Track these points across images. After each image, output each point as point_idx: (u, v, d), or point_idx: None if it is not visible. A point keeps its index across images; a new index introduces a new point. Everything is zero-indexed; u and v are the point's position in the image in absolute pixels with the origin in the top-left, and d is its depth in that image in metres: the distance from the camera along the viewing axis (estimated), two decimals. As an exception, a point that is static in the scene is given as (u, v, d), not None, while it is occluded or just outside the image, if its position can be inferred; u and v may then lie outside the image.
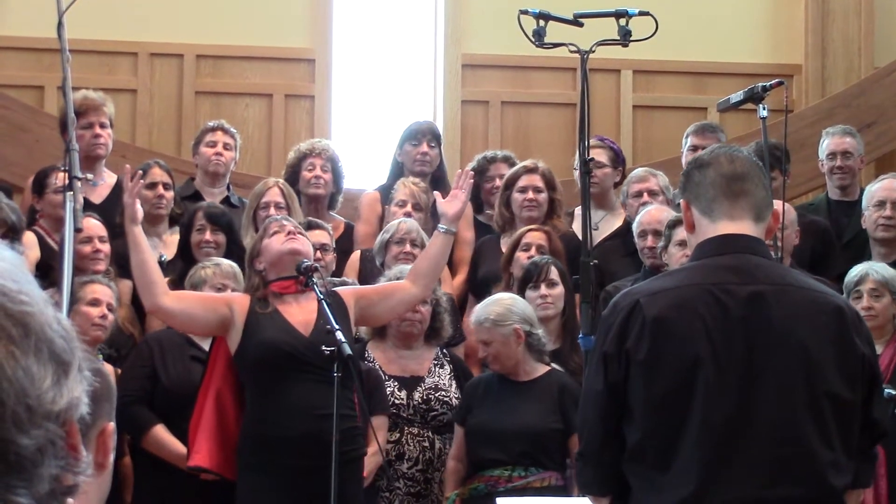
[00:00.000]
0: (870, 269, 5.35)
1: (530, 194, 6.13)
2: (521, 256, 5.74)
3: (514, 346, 5.03)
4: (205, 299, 4.80)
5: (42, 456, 1.11)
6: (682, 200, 2.92)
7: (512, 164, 6.65)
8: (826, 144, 6.66)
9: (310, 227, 5.54)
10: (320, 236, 5.63)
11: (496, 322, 5.02)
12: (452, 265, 6.25)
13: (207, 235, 5.62)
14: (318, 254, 5.56)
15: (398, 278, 5.24)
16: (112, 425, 1.33)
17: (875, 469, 2.92)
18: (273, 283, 4.71)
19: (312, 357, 4.51)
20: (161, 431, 5.01)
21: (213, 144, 6.40)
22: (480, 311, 5.12)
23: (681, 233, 5.39)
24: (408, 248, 5.72)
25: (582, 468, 2.90)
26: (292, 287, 4.70)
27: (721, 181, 2.84)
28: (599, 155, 6.18)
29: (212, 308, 4.70)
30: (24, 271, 1.16)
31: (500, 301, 5.14)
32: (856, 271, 5.37)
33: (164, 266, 5.79)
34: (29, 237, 5.38)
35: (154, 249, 5.88)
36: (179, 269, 5.51)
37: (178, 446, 4.96)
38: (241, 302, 4.72)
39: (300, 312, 4.68)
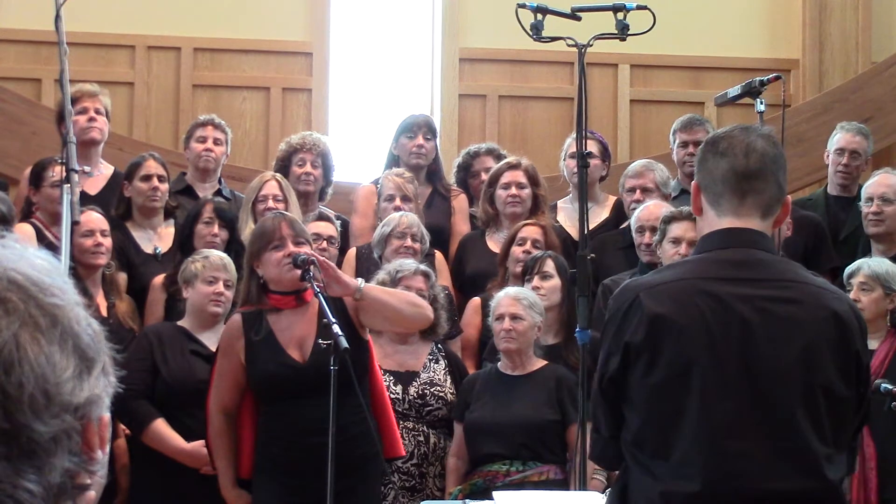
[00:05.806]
0: (865, 264, 5.36)
1: (513, 190, 6.14)
2: (517, 251, 5.74)
3: (533, 334, 5.18)
4: (232, 384, 4.65)
5: (56, 446, 1.13)
6: (694, 182, 2.92)
7: (496, 156, 6.66)
8: (837, 139, 6.54)
9: (318, 218, 5.63)
10: (326, 228, 5.68)
11: (532, 305, 5.17)
12: (448, 258, 6.25)
13: (215, 229, 5.61)
14: (324, 244, 5.60)
15: (398, 272, 5.29)
16: (108, 416, 1.33)
17: (856, 455, 2.92)
18: (272, 296, 4.62)
19: (309, 384, 4.43)
20: (161, 425, 4.99)
21: (203, 140, 6.36)
22: (518, 290, 5.25)
23: (675, 229, 5.39)
24: (408, 242, 5.70)
25: (595, 439, 2.94)
26: (291, 302, 4.61)
27: (732, 178, 2.80)
28: (591, 147, 6.17)
29: (238, 381, 4.64)
30: (60, 271, 1.19)
31: (531, 294, 5.28)
32: (854, 265, 5.38)
33: (160, 258, 5.80)
34: (27, 230, 5.36)
35: (149, 242, 5.89)
36: (178, 261, 5.49)
37: (178, 441, 4.95)
38: (237, 334, 4.63)
39: (297, 330, 4.60)
